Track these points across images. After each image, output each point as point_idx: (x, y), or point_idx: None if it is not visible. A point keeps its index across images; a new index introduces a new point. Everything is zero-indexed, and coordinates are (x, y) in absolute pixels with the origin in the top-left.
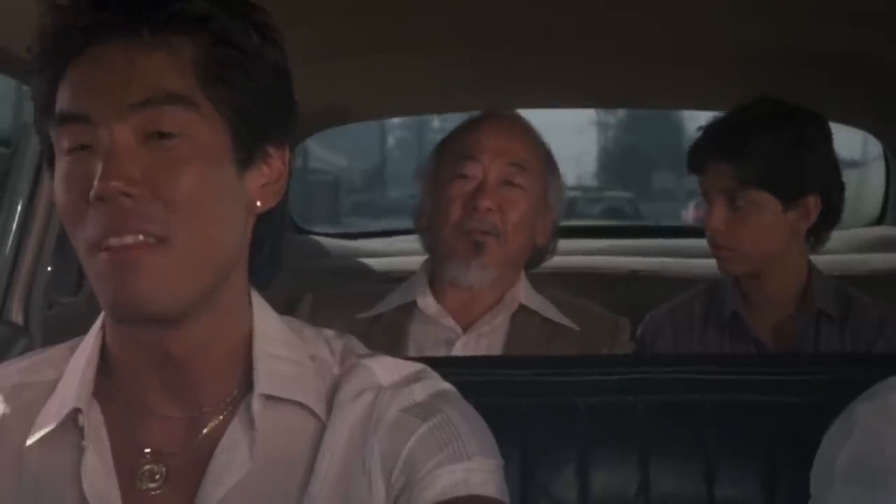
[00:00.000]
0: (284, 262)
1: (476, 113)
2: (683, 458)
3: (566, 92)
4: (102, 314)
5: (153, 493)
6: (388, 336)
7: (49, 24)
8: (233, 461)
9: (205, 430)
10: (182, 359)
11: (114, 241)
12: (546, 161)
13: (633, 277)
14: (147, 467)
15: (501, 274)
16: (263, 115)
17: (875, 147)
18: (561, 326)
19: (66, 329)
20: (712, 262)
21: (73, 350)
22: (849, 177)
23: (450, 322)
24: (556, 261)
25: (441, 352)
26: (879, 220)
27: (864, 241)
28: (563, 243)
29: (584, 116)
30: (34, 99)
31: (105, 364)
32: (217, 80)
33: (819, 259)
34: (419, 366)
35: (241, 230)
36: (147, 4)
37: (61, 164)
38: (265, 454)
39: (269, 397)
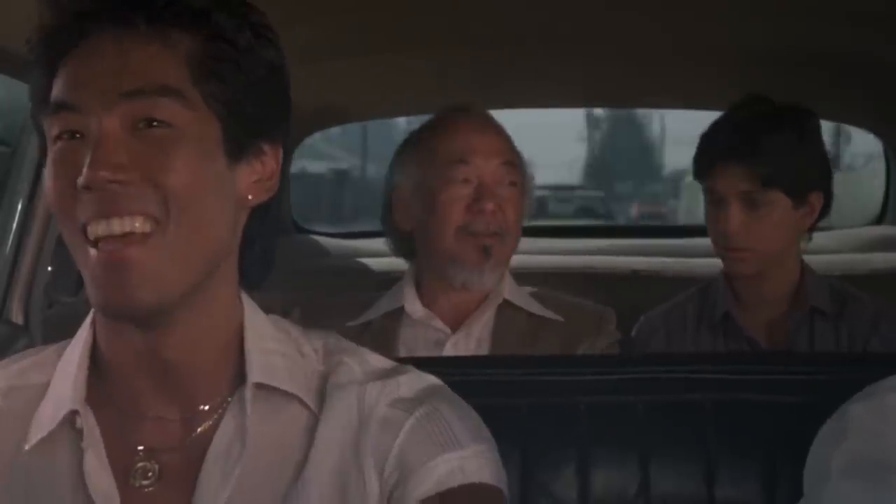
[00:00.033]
0: (284, 262)
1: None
2: (684, 457)
3: (566, 92)
4: (91, 312)
5: (147, 490)
6: (377, 342)
7: (47, 16)
8: (228, 455)
9: (199, 430)
10: (174, 362)
11: (102, 229)
12: (519, 153)
13: (633, 277)
14: (140, 465)
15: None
16: (256, 112)
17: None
18: (546, 319)
19: (67, 328)
20: (713, 261)
21: (59, 354)
22: (849, 177)
23: (438, 324)
24: (556, 260)
25: (431, 354)
26: (880, 220)
27: (864, 241)
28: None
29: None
30: (32, 91)
31: (96, 367)
32: (209, 75)
33: (820, 258)
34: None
35: (231, 223)
36: None
37: (51, 152)
38: (259, 445)
39: (262, 387)
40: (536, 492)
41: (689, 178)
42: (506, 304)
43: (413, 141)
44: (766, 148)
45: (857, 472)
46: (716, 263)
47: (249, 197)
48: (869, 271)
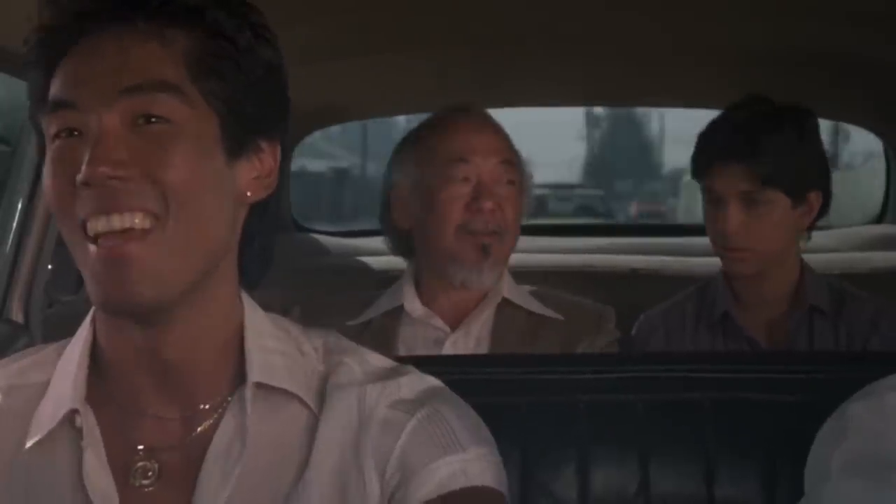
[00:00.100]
0: (284, 261)
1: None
2: (683, 456)
3: (566, 90)
4: (92, 311)
5: (146, 489)
6: (377, 341)
7: (46, 16)
8: (228, 454)
9: (199, 429)
10: (174, 360)
11: (102, 225)
12: (518, 152)
13: (633, 276)
14: (140, 464)
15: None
16: (254, 109)
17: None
18: (546, 318)
19: (67, 327)
20: (712, 260)
21: (60, 353)
22: (848, 175)
23: (438, 322)
24: (555, 259)
25: (431, 352)
26: (879, 219)
27: (865, 240)
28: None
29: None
30: (30, 91)
31: (96, 366)
32: (209, 73)
33: (820, 257)
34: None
35: (230, 220)
36: None
37: (50, 150)
38: (259, 445)
39: (261, 387)
40: (536, 491)
41: (688, 177)
42: (505, 303)
43: (412, 140)
44: (766, 147)
45: (858, 471)
46: (715, 262)
47: (248, 194)
48: (868, 270)
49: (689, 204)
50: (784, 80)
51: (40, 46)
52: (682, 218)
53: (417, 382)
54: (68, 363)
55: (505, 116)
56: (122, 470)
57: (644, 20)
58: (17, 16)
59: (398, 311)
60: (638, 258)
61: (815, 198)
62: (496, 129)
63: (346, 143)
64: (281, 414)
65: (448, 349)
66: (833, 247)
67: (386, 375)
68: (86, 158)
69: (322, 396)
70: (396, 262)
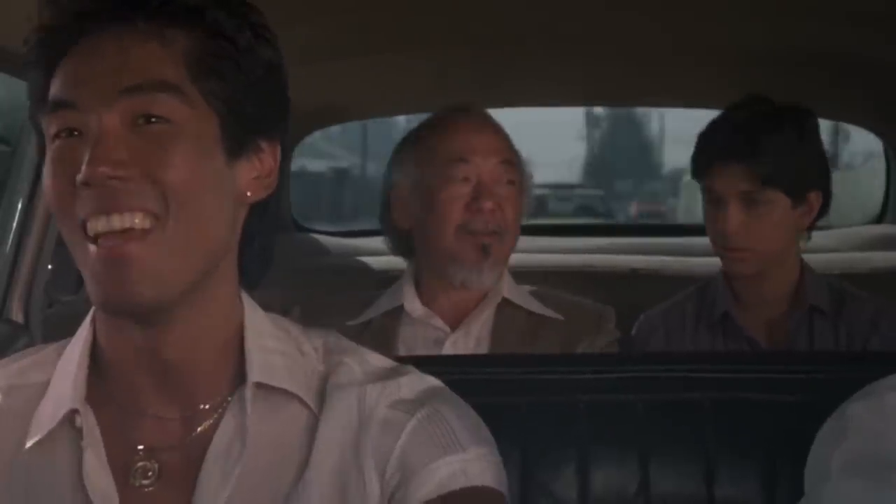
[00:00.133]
0: (284, 261)
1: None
2: (683, 456)
3: (566, 91)
4: (92, 311)
5: (146, 489)
6: (377, 341)
7: (47, 16)
8: (228, 454)
9: (199, 429)
10: (174, 360)
11: (102, 225)
12: (518, 152)
13: (633, 276)
14: (140, 464)
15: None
16: (254, 109)
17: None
18: (546, 318)
19: (67, 327)
20: (712, 260)
21: (60, 353)
22: (848, 175)
23: (438, 322)
24: (555, 259)
25: (431, 352)
26: (880, 219)
27: (865, 240)
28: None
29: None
30: (30, 91)
31: (96, 366)
32: (209, 73)
33: (820, 257)
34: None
35: (230, 220)
36: None
37: (50, 150)
38: (259, 445)
39: (261, 387)
40: (536, 491)
41: (688, 177)
42: (505, 303)
43: (412, 140)
44: (766, 147)
45: (858, 471)
46: (715, 262)
47: (248, 194)
48: (868, 270)
49: (689, 204)
50: (784, 80)
51: (40, 46)
52: (682, 218)
53: (417, 382)
54: (68, 363)
55: (505, 116)
56: (122, 470)
57: (644, 20)
58: (17, 16)
59: (398, 311)
60: (638, 258)
61: (815, 198)
62: (496, 129)
63: (346, 143)
64: (281, 414)
65: (448, 349)
66: (833, 247)
67: (386, 375)
68: (86, 158)
69: (322, 396)
70: (396, 262)
